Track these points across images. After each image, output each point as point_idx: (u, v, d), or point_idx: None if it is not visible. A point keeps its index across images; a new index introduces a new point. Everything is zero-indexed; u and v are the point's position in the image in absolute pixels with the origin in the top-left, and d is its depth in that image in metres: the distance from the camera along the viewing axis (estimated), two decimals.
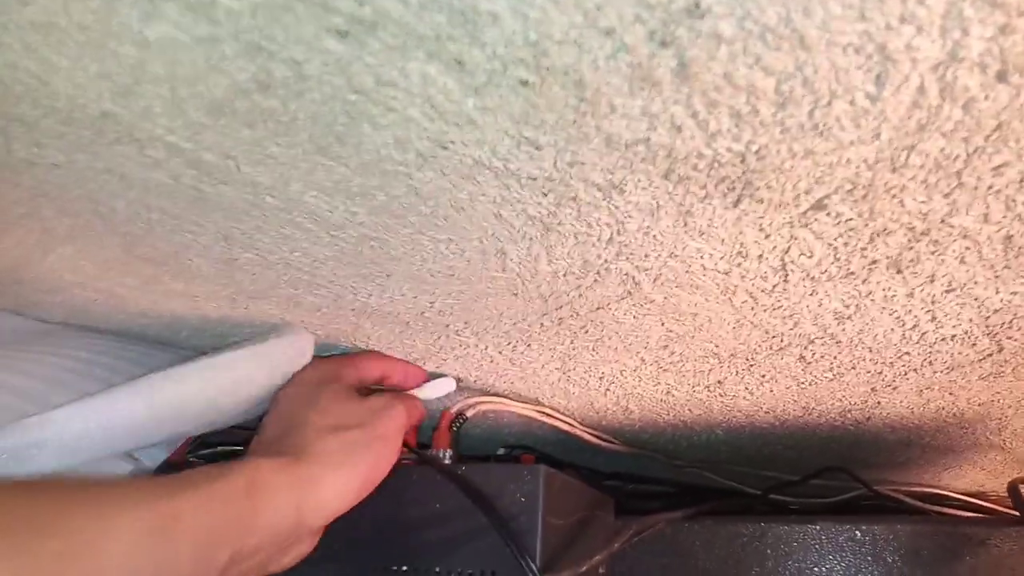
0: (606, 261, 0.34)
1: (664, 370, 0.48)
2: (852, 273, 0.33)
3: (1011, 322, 0.37)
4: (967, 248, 0.30)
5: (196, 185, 0.30)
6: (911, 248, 0.31)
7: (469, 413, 0.52)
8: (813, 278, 0.34)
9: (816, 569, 0.50)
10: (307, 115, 0.24)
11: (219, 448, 0.56)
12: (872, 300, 0.36)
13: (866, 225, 0.29)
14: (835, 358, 0.44)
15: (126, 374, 0.45)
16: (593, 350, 0.46)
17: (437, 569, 0.42)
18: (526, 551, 0.40)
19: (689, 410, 0.57)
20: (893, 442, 0.62)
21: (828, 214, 0.29)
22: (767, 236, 0.31)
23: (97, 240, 0.36)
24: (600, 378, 0.51)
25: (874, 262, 0.32)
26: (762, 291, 0.36)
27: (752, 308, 0.38)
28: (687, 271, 0.34)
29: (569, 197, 0.29)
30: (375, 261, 0.36)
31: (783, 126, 0.23)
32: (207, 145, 0.27)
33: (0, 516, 0.26)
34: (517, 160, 0.26)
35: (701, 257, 0.33)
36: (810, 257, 0.32)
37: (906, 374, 0.46)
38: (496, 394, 0.55)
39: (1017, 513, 0.51)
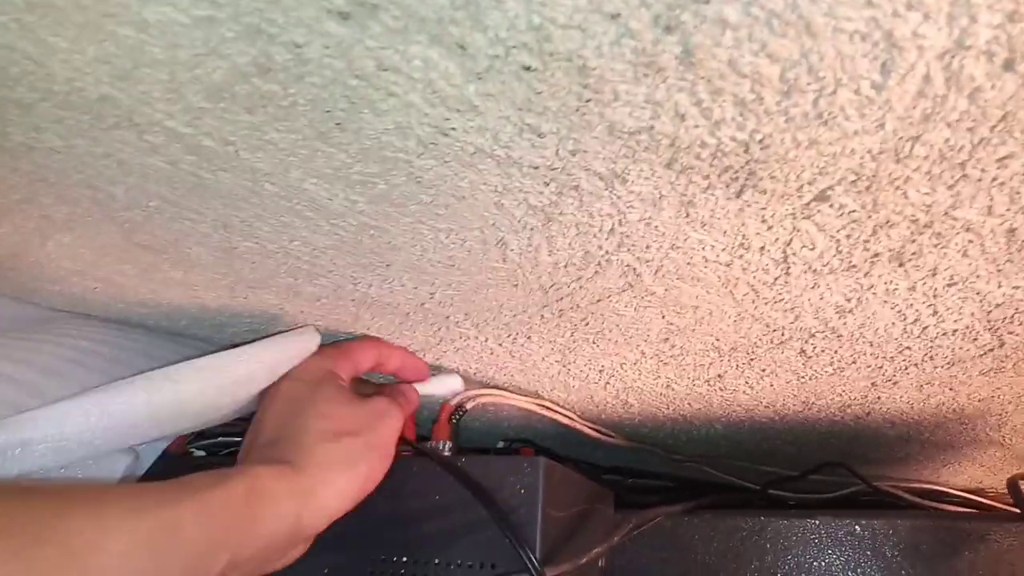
0: (607, 252, 0.34)
1: (664, 364, 0.48)
2: (854, 266, 0.33)
3: (1013, 317, 0.37)
4: (970, 241, 0.30)
5: (195, 171, 0.30)
6: (914, 241, 0.31)
7: (469, 406, 0.52)
8: (815, 271, 0.34)
9: (815, 563, 0.50)
10: (307, 100, 0.24)
11: (220, 438, 0.56)
12: (874, 293, 0.36)
13: (869, 217, 0.29)
14: (836, 352, 0.44)
15: (127, 364, 0.44)
16: (593, 343, 0.45)
17: (437, 560, 0.42)
18: (526, 543, 0.40)
19: (689, 404, 0.56)
20: (893, 437, 0.61)
21: (831, 205, 0.28)
22: (769, 228, 0.30)
23: (95, 227, 0.36)
24: (600, 371, 0.51)
25: (876, 255, 0.32)
26: (764, 284, 0.36)
27: (753, 301, 0.38)
28: (688, 263, 0.34)
29: (571, 186, 0.28)
30: (375, 251, 0.35)
31: (787, 115, 0.23)
32: (206, 130, 0.27)
33: None
34: (519, 148, 0.26)
35: (703, 249, 0.33)
36: (812, 249, 0.32)
37: (907, 369, 0.45)
38: (496, 387, 0.55)
39: (1017, 509, 0.51)
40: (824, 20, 0.20)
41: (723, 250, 0.32)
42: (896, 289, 0.35)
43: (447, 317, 0.44)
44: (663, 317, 0.41)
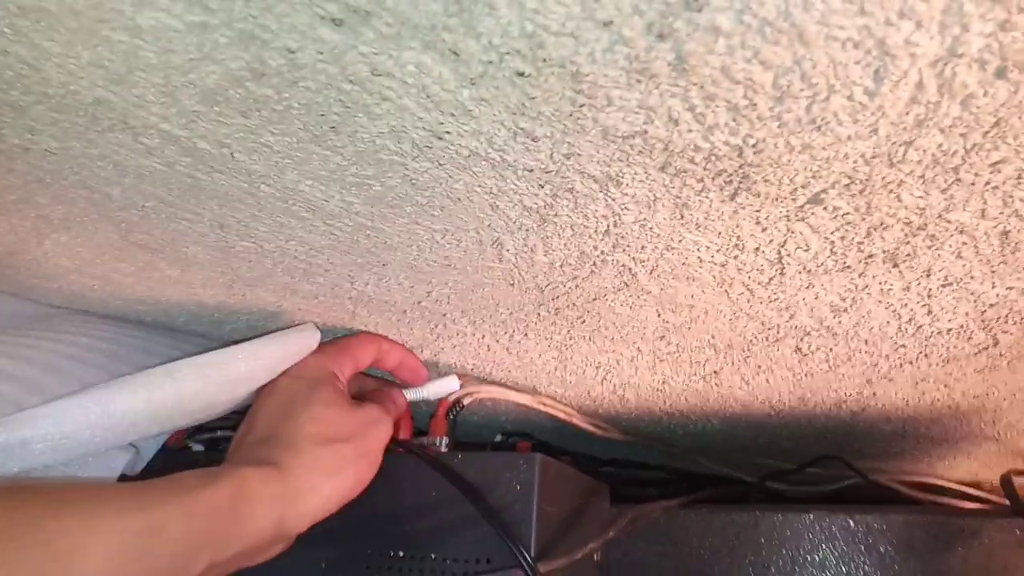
0: (603, 253, 0.34)
1: (660, 360, 0.48)
2: (849, 267, 0.33)
3: (1007, 316, 0.37)
4: (964, 243, 0.30)
5: (191, 173, 0.30)
6: (908, 243, 0.31)
7: (466, 401, 0.52)
8: (810, 271, 0.34)
9: (810, 557, 0.50)
10: (302, 104, 0.24)
11: (219, 432, 0.56)
12: (868, 293, 0.36)
13: (863, 219, 0.29)
14: (831, 350, 0.44)
15: (126, 361, 0.44)
16: (590, 340, 0.46)
17: (433, 555, 0.43)
18: (521, 539, 0.40)
19: (685, 399, 0.57)
20: (888, 433, 0.62)
21: (825, 208, 0.28)
22: (764, 229, 0.30)
23: (92, 227, 0.36)
24: (597, 367, 0.51)
25: (871, 256, 0.32)
26: (758, 283, 0.36)
27: (748, 300, 0.38)
28: (683, 263, 0.34)
29: (565, 189, 0.28)
30: (371, 250, 0.36)
31: (781, 120, 0.23)
32: (201, 133, 0.27)
33: None
34: (513, 151, 0.26)
35: (698, 249, 0.33)
36: (807, 250, 0.32)
37: (902, 366, 0.46)
38: (493, 382, 0.55)
39: (1009, 504, 0.52)
40: (817, 28, 0.20)
41: (718, 251, 0.33)
42: (891, 289, 0.35)
43: (444, 315, 0.44)
44: (659, 315, 0.41)
